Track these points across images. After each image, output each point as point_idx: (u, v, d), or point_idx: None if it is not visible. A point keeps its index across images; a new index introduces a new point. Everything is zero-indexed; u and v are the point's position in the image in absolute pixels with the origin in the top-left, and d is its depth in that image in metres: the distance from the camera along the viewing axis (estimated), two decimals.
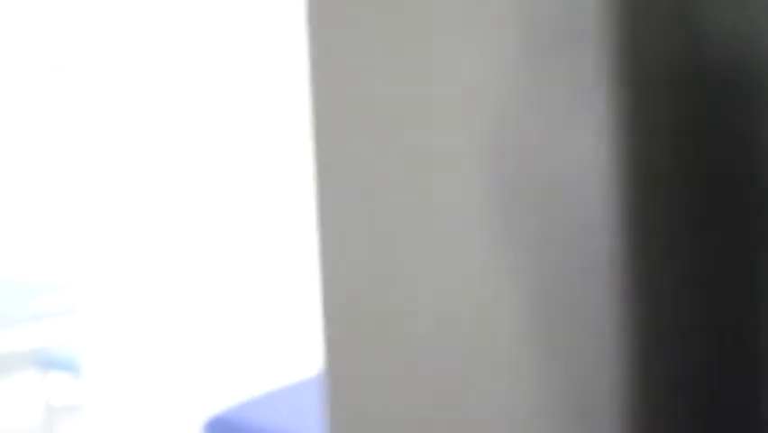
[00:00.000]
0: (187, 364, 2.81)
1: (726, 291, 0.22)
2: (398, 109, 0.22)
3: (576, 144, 0.20)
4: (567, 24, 0.19)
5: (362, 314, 0.22)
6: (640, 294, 0.20)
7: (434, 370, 0.19)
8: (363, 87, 0.24)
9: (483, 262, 0.19)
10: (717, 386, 0.22)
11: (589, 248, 0.19)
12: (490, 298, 0.18)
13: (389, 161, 0.25)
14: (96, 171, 2.48)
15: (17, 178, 6.09)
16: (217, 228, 2.79)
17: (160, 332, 2.69)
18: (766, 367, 0.23)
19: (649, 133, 0.20)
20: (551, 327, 0.19)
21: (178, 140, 2.63)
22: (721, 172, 0.22)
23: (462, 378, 0.19)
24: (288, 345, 3.31)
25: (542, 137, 0.21)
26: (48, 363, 3.42)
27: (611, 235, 0.19)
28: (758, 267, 0.23)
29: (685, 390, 0.20)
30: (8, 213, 5.92)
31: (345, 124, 0.27)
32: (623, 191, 0.19)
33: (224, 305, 3.01)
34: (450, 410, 0.19)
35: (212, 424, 2.34)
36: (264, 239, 3.02)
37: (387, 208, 0.23)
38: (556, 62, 0.20)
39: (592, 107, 0.20)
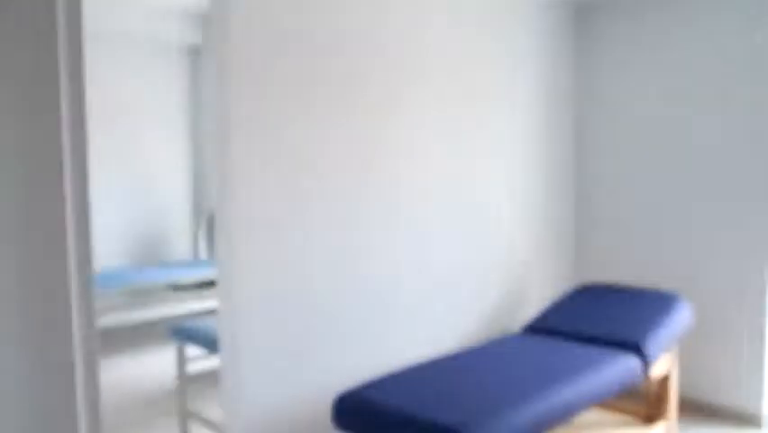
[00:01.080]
0: (320, 341, 2.84)
1: None
2: None
3: None
4: None
5: None
6: None
7: None
8: None
9: None
10: None
11: None
12: None
13: None
14: (247, 151, 2.50)
15: (161, 159, 6.28)
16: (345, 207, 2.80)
17: (295, 307, 2.72)
18: None
19: None
20: None
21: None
22: None
23: None
24: (417, 326, 3.29)
25: None
26: (185, 334, 3.49)
27: None
28: None
29: None
30: (150, 193, 6.13)
31: None
32: None
33: (357, 283, 3.00)
34: None
35: (342, 401, 2.34)
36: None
37: None
38: None
39: None
